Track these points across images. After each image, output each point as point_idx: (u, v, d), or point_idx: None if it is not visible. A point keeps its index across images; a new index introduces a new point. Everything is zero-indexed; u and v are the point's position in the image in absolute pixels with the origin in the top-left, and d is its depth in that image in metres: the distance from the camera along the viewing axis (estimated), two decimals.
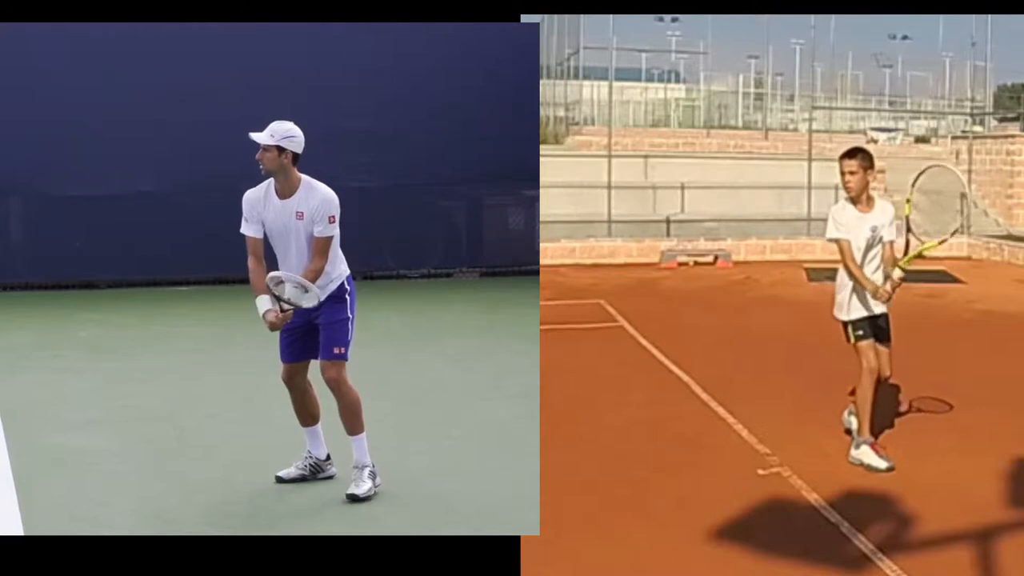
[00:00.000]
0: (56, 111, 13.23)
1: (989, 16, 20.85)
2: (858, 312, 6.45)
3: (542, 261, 14.94)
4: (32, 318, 11.71)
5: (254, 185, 5.73)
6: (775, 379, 8.85)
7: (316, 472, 5.94)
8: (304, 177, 5.69)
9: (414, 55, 14.03)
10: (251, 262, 5.66)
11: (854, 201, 6.42)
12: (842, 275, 6.52)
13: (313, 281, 5.58)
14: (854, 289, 6.44)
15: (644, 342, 10.31)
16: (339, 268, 5.79)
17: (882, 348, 6.57)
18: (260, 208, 5.66)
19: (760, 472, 6.31)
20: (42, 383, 8.49)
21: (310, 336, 5.75)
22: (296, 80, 13.75)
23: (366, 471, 5.74)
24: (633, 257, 17.37)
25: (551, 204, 16.59)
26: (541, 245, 15.34)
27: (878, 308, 6.47)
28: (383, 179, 14.14)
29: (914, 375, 8.64)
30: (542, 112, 19.97)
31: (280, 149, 5.56)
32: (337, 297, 5.76)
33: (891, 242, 6.53)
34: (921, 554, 5.13)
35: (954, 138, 25.96)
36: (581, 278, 15.46)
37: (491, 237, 15.57)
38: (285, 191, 5.64)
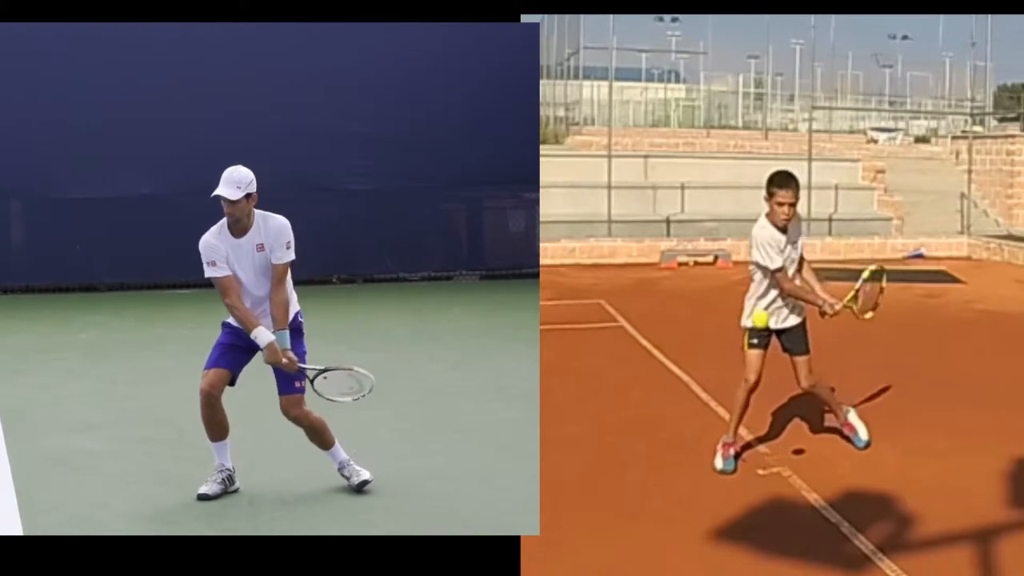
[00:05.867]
0: (56, 113, 13.24)
1: (989, 16, 20.83)
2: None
3: (542, 261, 14.94)
4: (32, 320, 11.72)
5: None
6: (775, 379, 8.83)
7: (230, 484, 5.82)
8: (257, 211, 5.70)
9: (414, 56, 14.04)
10: (232, 300, 5.61)
11: (776, 225, 6.19)
12: (753, 287, 6.36)
13: (284, 311, 5.62)
14: (760, 300, 6.31)
15: (644, 342, 10.30)
16: (293, 298, 5.81)
17: (798, 359, 6.43)
18: (222, 250, 5.64)
19: (760, 472, 6.32)
20: (42, 385, 8.49)
21: (247, 355, 5.74)
22: (297, 81, 13.77)
23: (351, 462, 5.85)
24: (633, 257, 17.37)
25: (551, 204, 16.59)
26: (541, 245, 15.34)
27: (785, 323, 6.33)
28: (383, 181, 14.13)
29: (914, 375, 8.66)
30: (542, 112, 19.97)
31: (248, 196, 5.59)
32: (294, 330, 5.78)
33: (801, 258, 6.37)
34: (921, 554, 5.14)
35: (954, 138, 25.96)
36: (581, 278, 15.46)
37: (491, 240, 15.57)
38: (244, 229, 5.65)
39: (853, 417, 6.79)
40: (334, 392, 5.76)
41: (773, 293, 6.29)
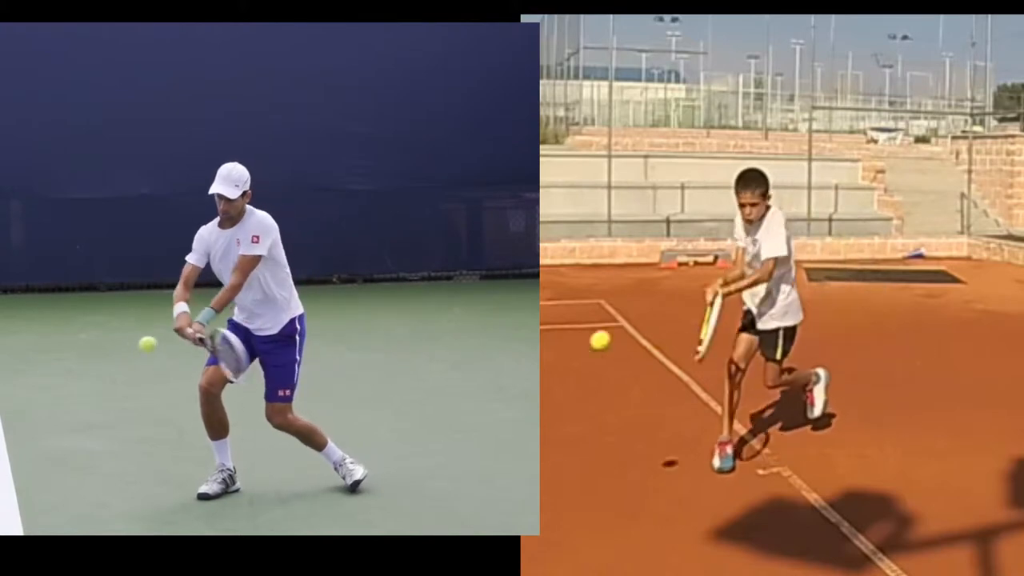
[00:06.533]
0: (56, 113, 13.25)
1: (989, 16, 20.83)
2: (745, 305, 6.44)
3: (542, 261, 14.93)
4: (32, 320, 11.72)
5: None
6: None
7: (231, 484, 5.83)
8: (248, 207, 5.70)
9: (414, 56, 14.05)
10: (181, 284, 5.66)
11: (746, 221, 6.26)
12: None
13: (226, 296, 5.59)
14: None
15: (644, 342, 10.29)
16: (291, 303, 5.77)
17: (767, 364, 6.42)
18: (206, 243, 5.70)
19: (760, 472, 6.31)
20: (42, 385, 8.49)
21: (249, 354, 5.71)
22: (297, 81, 13.78)
23: (347, 460, 5.84)
24: (633, 257, 17.35)
25: (551, 204, 16.59)
26: (541, 245, 15.33)
27: (763, 324, 6.32)
28: (383, 181, 14.13)
29: (914, 375, 8.65)
30: (542, 112, 19.98)
31: (243, 194, 5.62)
32: (287, 336, 5.74)
33: (771, 259, 6.19)
34: (921, 554, 5.13)
35: (954, 138, 25.96)
36: (581, 278, 15.44)
37: (491, 240, 15.57)
38: (233, 223, 5.66)
39: (819, 390, 6.86)
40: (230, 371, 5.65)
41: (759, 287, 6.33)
